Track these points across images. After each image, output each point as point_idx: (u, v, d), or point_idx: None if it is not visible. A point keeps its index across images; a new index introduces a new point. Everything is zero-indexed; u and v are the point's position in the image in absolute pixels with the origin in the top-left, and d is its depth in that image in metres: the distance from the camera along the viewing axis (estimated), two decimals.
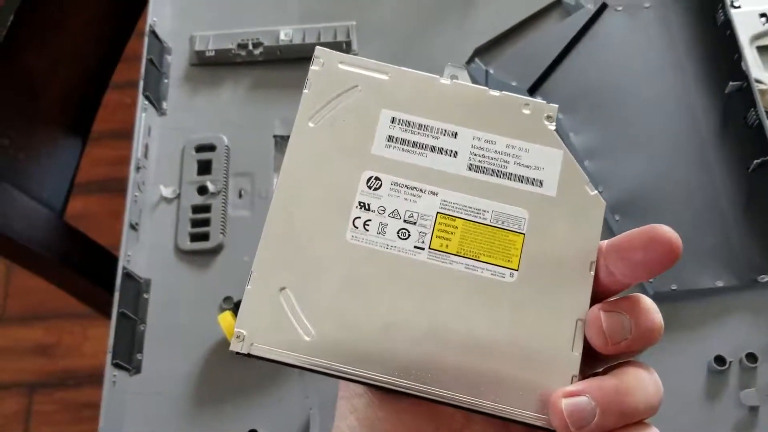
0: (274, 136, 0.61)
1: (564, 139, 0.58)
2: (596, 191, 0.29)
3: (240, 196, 0.59)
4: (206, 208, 0.58)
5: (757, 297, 0.52)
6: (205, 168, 0.60)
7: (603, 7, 0.63)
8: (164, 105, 0.63)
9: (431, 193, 0.28)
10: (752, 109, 0.56)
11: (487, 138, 0.29)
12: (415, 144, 0.29)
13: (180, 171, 0.60)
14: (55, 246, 0.72)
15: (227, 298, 0.54)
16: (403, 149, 0.29)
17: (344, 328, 0.27)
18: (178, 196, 0.59)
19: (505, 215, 0.28)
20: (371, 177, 0.29)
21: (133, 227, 0.56)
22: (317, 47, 0.31)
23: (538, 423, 0.26)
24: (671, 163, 0.56)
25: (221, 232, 0.57)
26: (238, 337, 0.27)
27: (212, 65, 0.65)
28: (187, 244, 0.56)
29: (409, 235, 0.28)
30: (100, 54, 0.82)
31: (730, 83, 0.57)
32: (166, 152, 0.61)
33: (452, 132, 0.29)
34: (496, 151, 0.29)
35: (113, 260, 0.54)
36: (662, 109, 0.59)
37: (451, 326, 0.27)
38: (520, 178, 0.29)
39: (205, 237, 0.57)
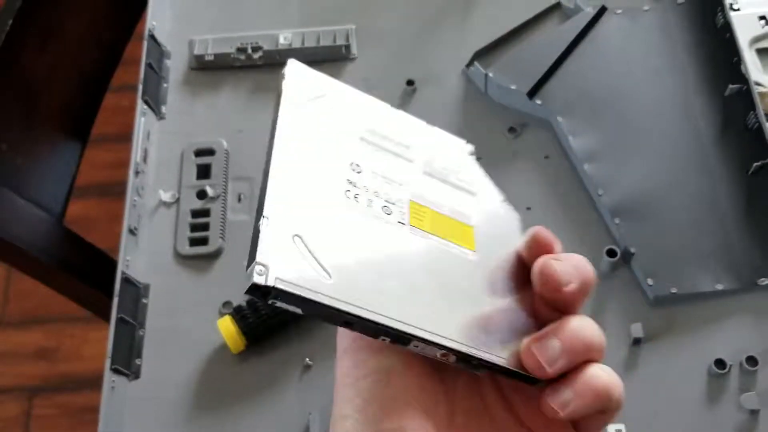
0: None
1: (563, 142, 0.59)
2: (511, 207, 0.36)
3: (239, 200, 0.59)
4: (205, 213, 0.58)
5: (757, 300, 0.52)
6: (204, 172, 0.59)
7: (602, 10, 0.63)
8: (163, 109, 0.63)
9: (400, 185, 0.33)
10: (752, 111, 0.56)
11: (431, 155, 0.35)
12: (380, 147, 0.34)
13: (179, 175, 0.60)
14: (54, 250, 0.72)
15: (227, 303, 0.54)
16: (373, 149, 0.33)
17: (357, 276, 0.28)
18: (177, 201, 0.58)
19: (458, 212, 0.34)
20: (353, 162, 0.32)
21: (132, 232, 0.56)
22: (289, 60, 0.34)
23: (517, 368, 0.29)
24: (671, 166, 0.56)
25: (220, 237, 0.56)
26: (260, 270, 0.26)
27: (211, 69, 0.65)
28: (187, 249, 0.56)
29: (391, 213, 0.31)
30: (99, 57, 0.82)
31: (730, 86, 0.58)
32: (165, 157, 0.61)
33: (406, 144, 0.35)
34: (439, 165, 0.35)
35: (112, 264, 0.54)
36: (662, 112, 0.59)
37: (441, 284, 0.30)
38: (460, 188, 0.35)
39: (204, 241, 0.56)
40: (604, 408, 0.28)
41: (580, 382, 0.28)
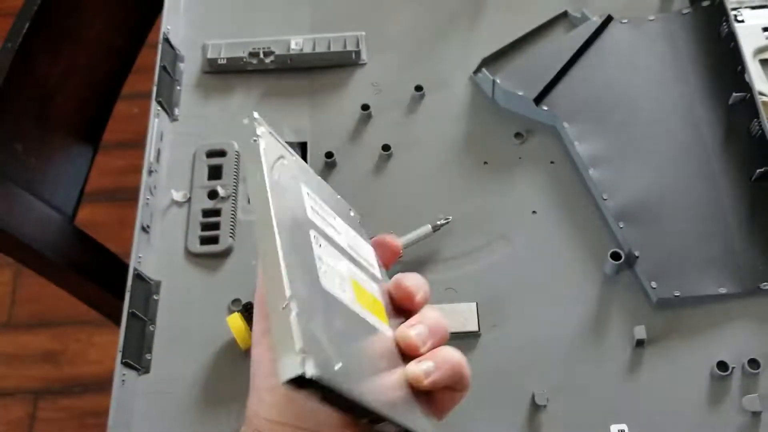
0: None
1: (569, 148, 0.59)
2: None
3: (249, 200, 0.60)
4: (216, 212, 0.59)
5: (759, 304, 0.52)
6: (215, 173, 0.61)
7: (608, 20, 0.64)
8: (176, 111, 0.64)
9: (341, 260, 0.33)
10: (755, 119, 0.57)
11: (347, 229, 0.37)
12: (323, 218, 0.35)
13: (191, 176, 0.61)
14: (65, 250, 0.72)
15: (236, 300, 0.55)
16: (320, 218, 0.34)
17: (355, 365, 0.29)
18: (189, 200, 0.59)
19: (374, 289, 0.35)
20: (314, 235, 0.32)
21: (145, 230, 0.57)
22: (256, 114, 0.35)
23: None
24: (675, 172, 0.57)
25: (230, 236, 0.57)
26: (303, 359, 0.25)
27: (224, 73, 0.66)
28: (197, 247, 0.57)
29: (345, 291, 0.32)
30: (112, 63, 0.83)
31: (734, 94, 0.58)
32: (177, 157, 0.62)
33: (333, 217, 0.36)
34: (355, 242, 0.37)
35: (122, 266, 0.55)
36: (666, 120, 0.60)
37: (389, 364, 0.32)
38: (368, 264, 0.37)
39: (214, 240, 0.57)
40: (457, 382, 0.33)
41: (439, 356, 0.33)
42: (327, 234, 0.34)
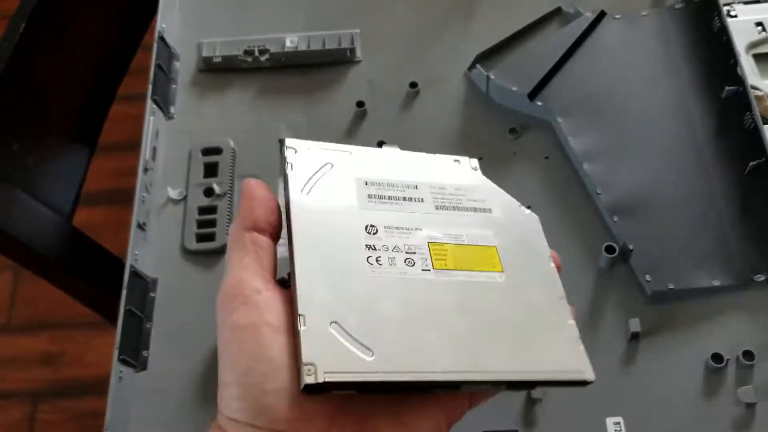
0: (279, 140, 0.62)
1: (563, 143, 0.60)
2: (529, 210, 0.38)
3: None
4: (212, 210, 0.59)
5: (753, 296, 0.53)
6: (211, 170, 0.61)
7: (601, 15, 0.64)
8: (172, 109, 0.65)
9: (417, 229, 0.34)
10: (748, 112, 0.57)
11: (440, 185, 0.37)
12: (389, 197, 0.35)
13: (187, 173, 0.61)
14: (62, 250, 0.73)
15: None
16: (382, 203, 0.35)
17: (398, 342, 0.30)
18: (185, 198, 0.60)
19: (477, 235, 0.35)
20: (367, 225, 0.33)
21: (141, 227, 0.57)
22: (287, 140, 0.36)
23: (575, 378, 0.31)
24: (669, 165, 0.57)
25: (227, 233, 0.58)
26: (308, 370, 0.27)
27: (219, 71, 0.67)
28: (194, 245, 0.57)
29: (414, 263, 0.33)
30: (109, 63, 0.83)
31: (727, 88, 0.59)
32: (173, 155, 0.62)
33: (413, 185, 0.36)
34: (449, 194, 0.37)
35: (120, 265, 0.55)
36: (660, 114, 0.60)
37: (477, 319, 0.32)
38: (475, 209, 0.36)
39: (211, 237, 0.58)
40: None
41: None
42: (394, 214, 0.34)
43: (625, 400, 0.50)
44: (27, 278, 1.27)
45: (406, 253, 0.33)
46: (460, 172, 0.38)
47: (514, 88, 0.61)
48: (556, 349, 0.32)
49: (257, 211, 0.33)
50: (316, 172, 0.35)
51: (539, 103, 0.61)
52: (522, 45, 0.65)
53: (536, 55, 0.63)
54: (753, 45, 0.66)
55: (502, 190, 0.38)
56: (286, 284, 0.32)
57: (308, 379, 0.27)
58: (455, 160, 0.39)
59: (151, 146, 0.60)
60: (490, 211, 0.36)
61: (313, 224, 0.32)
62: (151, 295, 0.55)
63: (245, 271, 0.31)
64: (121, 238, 0.61)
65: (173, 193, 0.60)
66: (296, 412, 0.28)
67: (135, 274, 0.54)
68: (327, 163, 0.35)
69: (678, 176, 0.57)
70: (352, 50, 0.66)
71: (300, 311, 0.29)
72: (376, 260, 0.32)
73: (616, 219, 0.55)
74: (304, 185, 0.34)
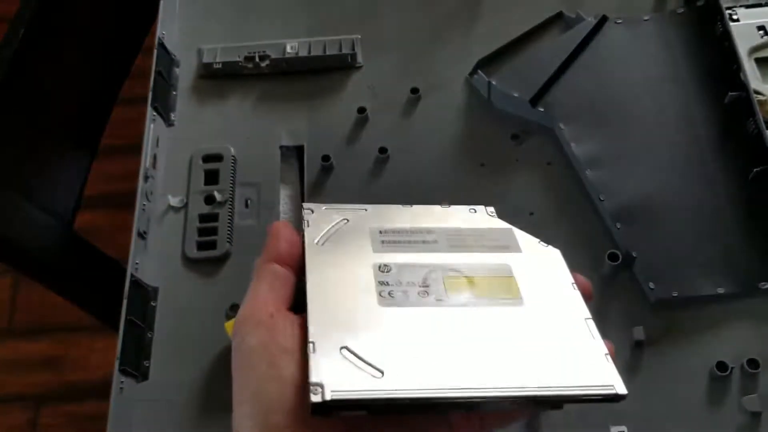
0: (280, 147, 0.62)
1: (565, 149, 0.59)
2: (549, 246, 0.37)
3: (246, 205, 0.60)
4: (213, 217, 0.58)
5: (758, 304, 0.52)
6: (212, 178, 0.60)
7: (603, 20, 0.64)
8: (172, 116, 0.64)
9: (431, 267, 0.34)
10: (751, 118, 0.57)
11: (455, 230, 0.37)
12: (404, 243, 0.36)
13: (187, 181, 0.61)
14: (64, 256, 0.72)
15: (234, 306, 0.55)
16: (396, 245, 0.36)
17: (409, 362, 0.29)
18: (186, 206, 0.59)
19: (495, 267, 0.35)
20: (381, 264, 0.34)
21: (142, 236, 0.57)
22: (304, 204, 0.38)
23: (606, 392, 0.30)
24: (672, 172, 0.57)
25: (228, 241, 0.57)
26: (314, 389, 0.28)
27: (219, 77, 0.66)
28: (195, 253, 0.57)
29: (428, 294, 0.33)
30: (109, 68, 0.83)
31: (730, 93, 0.58)
32: (173, 162, 0.62)
33: (427, 230, 0.37)
34: (465, 236, 0.37)
35: (121, 272, 0.55)
36: (662, 119, 0.59)
37: (494, 339, 0.31)
38: (491, 248, 0.36)
39: (212, 245, 0.57)
40: None
41: None
42: (409, 254, 0.35)
43: (629, 408, 0.49)
44: (28, 282, 1.27)
45: (420, 287, 0.33)
46: (477, 219, 0.39)
47: (516, 94, 0.61)
48: (583, 364, 0.31)
49: (280, 245, 0.35)
50: (332, 226, 0.36)
51: (541, 109, 0.60)
52: (524, 50, 0.65)
53: (538, 61, 0.63)
54: (755, 49, 0.66)
55: (520, 230, 0.38)
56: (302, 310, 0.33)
57: (315, 398, 0.27)
58: (471, 209, 0.40)
59: (151, 154, 0.60)
60: (507, 248, 0.36)
61: (327, 262, 0.34)
62: (152, 304, 0.55)
63: (259, 297, 0.33)
64: (121, 241, 0.60)
65: (174, 201, 0.60)
66: (308, 430, 0.29)
67: (136, 283, 0.54)
68: (343, 219, 0.37)
69: (681, 182, 0.56)
70: (353, 56, 0.66)
71: (310, 339, 0.30)
72: (389, 294, 0.33)
73: (619, 226, 0.55)
74: (320, 238, 0.35)
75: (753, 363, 0.50)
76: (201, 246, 0.57)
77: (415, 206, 0.39)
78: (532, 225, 0.57)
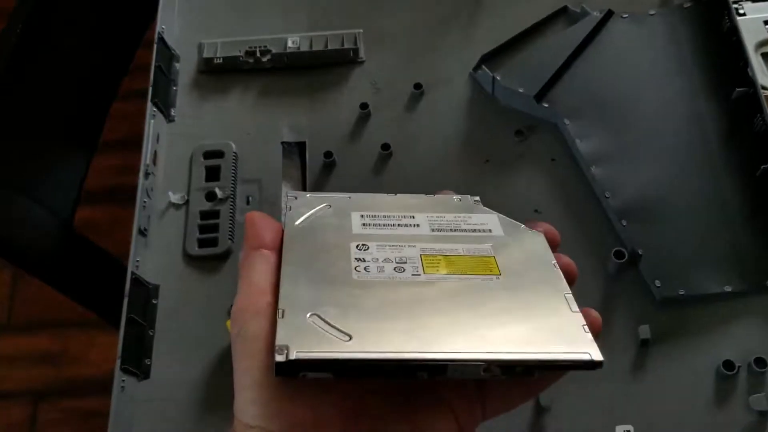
0: (282, 143, 0.62)
1: (570, 145, 0.59)
2: (534, 230, 0.36)
3: (248, 202, 0.59)
4: (214, 214, 0.58)
5: (765, 302, 0.52)
6: (213, 174, 0.60)
7: (609, 15, 0.63)
8: (173, 112, 0.64)
9: (410, 246, 0.34)
10: (758, 114, 0.56)
11: (438, 215, 0.37)
12: (384, 225, 0.36)
13: (188, 177, 0.60)
14: (63, 254, 0.72)
15: None
16: (376, 227, 0.36)
17: (378, 328, 0.29)
18: (187, 202, 0.59)
19: (474, 248, 0.34)
20: (359, 244, 0.34)
21: (142, 233, 0.56)
22: (288, 191, 0.38)
23: (580, 358, 0.29)
24: (678, 168, 0.57)
25: (229, 238, 0.57)
26: (279, 351, 0.28)
27: (220, 72, 0.66)
28: (196, 250, 0.57)
29: (404, 270, 0.33)
30: (108, 65, 0.82)
31: (737, 89, 0.58)
32: (174, 159, 0.61)
33: (410, 215, 0.37)
34: (447, 221, 0.37)
35: (121, 268, 0.54)
36: (669, 115, 0.59)
37: (471, 308, 0.31)
38: (474, 230, 0.36)
39: (213, 243, 0.57)
40: None
41: None
42: (388, 233, 0.35)
43: (635, 407, 0.49)
44: (27, 277, 1.26)
45: (397, 263, 0.33)
46: (460, 207, 0.39)
47: (520, 90, 0.60)
48: (559, 333, 0.30)
49: (262, 232, 0.34)
50: (314, 212, 0.36)
51: (546, 105, 0.60)
52: (528, 45, 0.64)
53: (542, 56, 0.62)
54: (762, 44, 0.66)
55: (504, 216, 0.38)
56: None
57: (279, 358, 0.27)
58: (456, 198, 0.40)
59: (152, 150, 0.60)
60: (490, 231, 0.36)
61: (305, 239, 0.34)
62: (153, 302, 0.55)
63: (254, 286, 0.33)
64: (120, 236, 0.60)
65: (174, 198, 0.59)
66: (309, 416, 0.29)
67: (136, 281, 0.54)
68: (325, 205, 0.37)
69: (688, 179, 0.56)
70: (356, 51, 0.65)
71: (280, 306, 0.30)
72: (365, 269, 0.32)
73: (624, 223, 0.54)
74: (301, 221, 0.35)
75: (760, 362, 0.49)
76: (202, 243, 0.57)
77: (399, 195, 0.39)
78: None
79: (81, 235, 0.74)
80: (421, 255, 0.33)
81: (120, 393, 0.50)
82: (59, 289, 0.73)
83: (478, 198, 0.40)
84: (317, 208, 0.37)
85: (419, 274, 0.32)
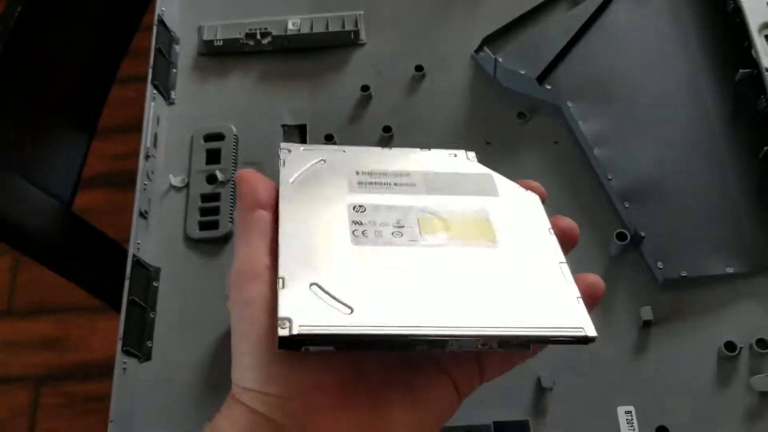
0: (282, 126, 0.61)
1: (573, 127, 0.59)
2: (529, 191, 0.37)
3: None
4: (215, 197, 0.58)
5: (767, 283, 0.52)
6: (213, 157, 0.60)
7: None
8: (173, 94, 0.63)
9: (407, 208, 0.34)
10: (762, 96, 0.56)
11: (434, 173, 0.37)
12: (380, 184, 0.36)
13: (189, 160, 0.60)
14: (62, 236, 0.72)
15: None
16: (372, 187, 0.35)
17: (378, 300, 0.30)
18: (187, 185, 0.59)
19: (471, 211, 0.35)
20: (355, 205, 0.34)
21: (143, 215, 0.56)
22: (282, 143, 0.37)
23: (574, 334, 0.30)
24: (681, 150, 0.56)
25: (230, 221, 0.57)
26: (282, 323, 0.28)
27: (220, 55, 0.65)
28: (197, 233, 0.56)
29: (402, 235, 0.33)
30: (107, 46, 0.82)
31: (740, 71, 0.57)
32: (174, 141, 0.61)
33: (405, 173, 0.37)
34: (443, 180, 0.37)
35: (121, 252, 0.54)
36: (672, 97, 0.59)
37: (467, 279, 0.31)
38: (469, 191, 0.36)
39: (214, 225, 0.57)
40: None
41: None
42: (384, 196, 0.35)
43: (636, 389, 0.49)
44: (28, 262, 1.26)
45: (394, 227, 0.33)
46: (457, 163, 0.38)
47: (523, 72, 0.60)
48: (554, 306, 0.30)
49: (257, 190, 0.34)
50: (308, 167, 0.36)
51: (548, 87, 0.59)
52: (530, 27, 0.63)
53: (545, 37, 0.61)
54: (766, 25, 0.65)
55: (500, 175, 0.38)
56: None
57: (282, 332, 0.28)
58: (452, 154, 0.39)
59: (152, 133, 0.59)
60: (485, 192, 0.36)
61: (300, 200, 0.34)
62: (154, 284, 0.55)
63: (253, 248, 0.32)
64: (121, 221, 0.60)
65: (175, 181, 0.59)
66: (308, 380, 0.29)
67: (137, 263, 0.54)
68: (320, 160, 0.37)
69: (691, 161, 0.56)
70: (356, 33, 0.65)
71: (280, 274, 0.30)
72: (362, 233, 0.32)
73: (627, 205, 0.54)
74: (295, 178, 0.35)
75: (762, 343, 0.49)
76: (203, 226, 0.57)
77: (394, 149, 0.39)
78: None
79: (80, 218, 0.74)
80: (418, 218, 0.34)
81: (121, 375, 0.50)
82: (58, 272, 0.73)
83: (473, 154, 0.40)
84: (311, 163, 0.36)
85: (416, 240, 0.32)
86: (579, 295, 0.31)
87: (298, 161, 0.36)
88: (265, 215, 0.33)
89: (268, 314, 0.30)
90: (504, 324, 0.29)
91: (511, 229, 0.34)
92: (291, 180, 0.35)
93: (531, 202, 0.36)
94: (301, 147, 0.37)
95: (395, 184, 0.36)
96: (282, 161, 0.36)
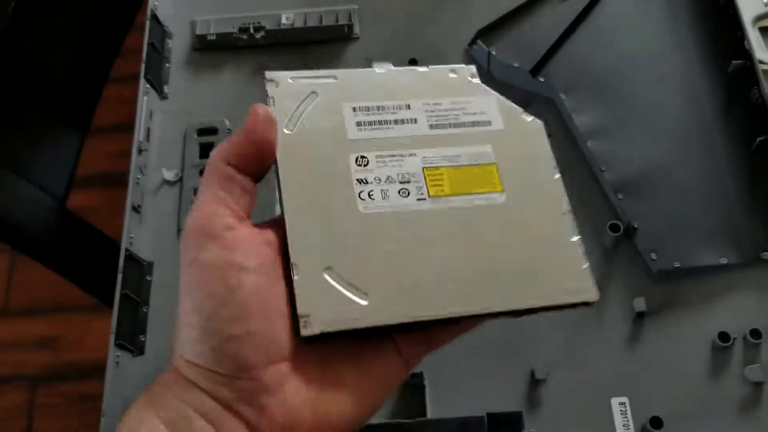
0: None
1: (566, 119, 0.58)
2: (533, 117, 0.36)
3: None
4: None
5: (760, 274, 0.52)
6: (207, 151, 0.59)
7: None
8: (166, 89, 0.63)
9: (411, 155, 0.33)
10: (755, 87, 0.56)
11: (434, 102, 0.35)
12: (380, 122, 0.34)
13: (182, 154, 0.60)
14: (57, 233, 0.72)
15: None
16: (372, 129, 0.34)
17: (392, 282, 0.30)
18: (181, 179, 0.59)
19: (476, 154, 0.34)
20: (357, 157, 0.32)
21: (136, 210, 0.56)
22: (266, 72, 0.34)
23: (577, 300, 0.31)
24: (674, 142, 0.56)
25: None
26: (304, 322, 0.28)
27: (214, 49, 0.65)
28: None
29: (408, 193, 0.32)
30: (100, 43, 0.82)
31: (733, 62, 0.57)
32: (168, 136, 0.61)
33: (405, 105, 0.35)
34: (445, 110, 0.35)
35: (116, 248, 0.54)
36: (665, 89, 0.59)
37: (475, 248, 0.31)
38: (473, 123, 0.35)
39: None
40: None
41: None
42: (386, 139, 0.33)
43: (630, 380, 0.49)
44: (24, 262, 1.26)
45: (400, 183, 0.32)
46: (457, 84, 0.36)
47: (516, 65, 0.60)
48: (558, 270, 0.31)
49: (245, 146, 0.30)
50: (300, 104, 0.33)
51: (542, 80, 0.59)
52: (524, 20, 0.63)
53: (539, 30, 0.61)
54: (759, 18, 0.65)
55: (502, 97, 0.36)
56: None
57: (305, 332, 0.28)
58: (451, 71, 0.37)
59: (144, 127, 0.59)
60: (489, 123, 0.35)
61: (300, 164, 0.32)
62: (147, 278, 0.54)
63: (217, 205, 0.29)
64: (116, 220, 0.59)
65: (168, 175, 0.59)
66: (260, 357, 0.27)
67: (130, 257, 0.53)
68: (312, 93, 0.34)
69: (684, 153, 0.56)
70: (350, 27, 0.65)
71: (293, 260, 0.29)
72: (369, 195, 0.32)
73: (620, 197, 0.54)
74: (288, 120, 0.32)
75: (755, 333, 0.49)
76: None
77: (391, 69, 0.36)
78: None
79: (75, 215, 0.74)
80: (423, 169, 0.33)
81: (114, 368, 0.50)
82: (54, 269, 0.73)
83: (474, 69, 0.37)
84: (303, 98, 0.33)
85: (424, 198, 0.32)
86: (583, 251, 0.32)
87: (288, 98, 0.33)
88: (239, 175, 0.30)
89: (224, 284, 0.27)
90: (513, 299, 0.30)
91: (517, 173, 0.33)
92: (286, 126, 0.32)
93: (535, 133, 0.35)
94: (288, 77, 0.34)
95: (395, 121, 0.34)
96: (270, 99, 0.33)
